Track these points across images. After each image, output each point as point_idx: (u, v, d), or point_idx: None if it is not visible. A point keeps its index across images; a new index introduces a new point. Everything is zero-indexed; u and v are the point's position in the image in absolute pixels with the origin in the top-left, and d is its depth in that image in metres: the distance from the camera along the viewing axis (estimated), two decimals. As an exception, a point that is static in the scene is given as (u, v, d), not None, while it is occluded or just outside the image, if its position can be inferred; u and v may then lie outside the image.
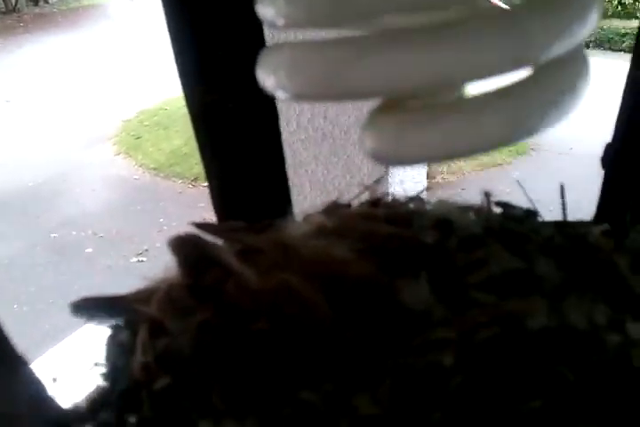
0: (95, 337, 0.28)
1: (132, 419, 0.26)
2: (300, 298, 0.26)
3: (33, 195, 4.40)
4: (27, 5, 8.98)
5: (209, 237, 0.30)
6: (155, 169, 4.81)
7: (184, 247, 0.29)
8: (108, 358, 0.30)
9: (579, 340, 0.25)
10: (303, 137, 2.38)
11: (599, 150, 0.42)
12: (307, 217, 0.35)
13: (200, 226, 0.31)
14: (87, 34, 7.82)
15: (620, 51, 7.25)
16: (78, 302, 0.29)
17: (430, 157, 0.22)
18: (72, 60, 6.84)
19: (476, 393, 0.23)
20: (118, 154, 5.12)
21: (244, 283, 0.27)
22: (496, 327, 0.25)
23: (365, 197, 0.38)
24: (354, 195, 0.38)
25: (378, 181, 0.42)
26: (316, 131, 2.32)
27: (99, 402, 0.26)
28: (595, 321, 0.26)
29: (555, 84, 0.22)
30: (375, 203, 0.36)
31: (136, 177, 4.79)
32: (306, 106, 2.28)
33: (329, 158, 2.32)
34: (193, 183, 4.52)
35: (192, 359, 0.26)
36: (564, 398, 0.23)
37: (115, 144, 5.26)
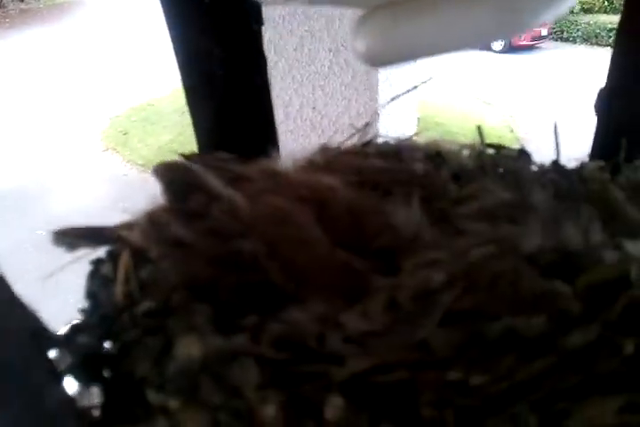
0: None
1: (112, 343, 0.25)
2: (291, 220, 0.25)
3: (19, 192, 4.34)
4: (12, 1, 8.89)
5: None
6: (142, 165, 4.77)
7: (169, 173, 0.28)
8: (90, 292, 0.29)
9: (575, 257, 0.24)
10: (292, 128, 2.36)
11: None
12: (296, 157, 0.34)
13: (187, 157, 0.30)
14: (73, 30, 7.75)
15: (607, 46, 7.22)
16: (61, 230, 0.28)
17: (421, 52, 0.21)
18: (58, 56, 6.78)
19: (470, 309, 0.23)
20: (106, 150, 5.08)
21: (231, 206, 0.26)
22: (491, 246, 0.25)
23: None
24: (345, 137, 0.37)
25: (367, 125, 0.42)
26: (305, 121, 2.31)
27: (77, 328, 0.25)
28: (591, 240, 0.25)
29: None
30: (366, 144, 0.36)
31: (124, 173, 4.75)
32: (294, 96, 2.28)
33: (318, 149, 2.29)
34: (181, 179, 4.48)
35: (177, 284, 0.25)
36: (562, 313, 0.22)
37: (102, 140, 5.22)
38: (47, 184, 4.50)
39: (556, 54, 6.71)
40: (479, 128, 0.33)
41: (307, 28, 2.16)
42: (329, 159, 0.32)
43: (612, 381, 0.20)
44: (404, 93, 0.48)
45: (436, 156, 0.32)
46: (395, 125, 2.13)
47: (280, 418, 0.20)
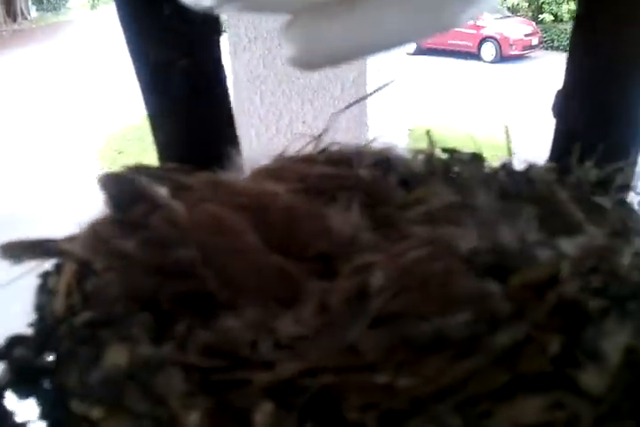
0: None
1: (50, 355, 0.25)
2: (227, 227, 0.25)
3: (13, 214, 4.33)
4: (5, 22, 8.96)
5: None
6: (138, 183, 4.75)
7: (112, 184, 0.28)
8: (37, 305, 0.29)
9: (510, 257, 0.24)
10: (283, 142, 2.37)
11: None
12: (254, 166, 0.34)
13: (132, 167, 0.30)
14: (67, 49, 7.80)
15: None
16: (6, 243, 0.28)
17: (346, 55, 0.21)
18: (52, 75, 6.81)
19: (401, 311, 0.23)
20: (102, 169, 5.08)
21: (170, 215, 0.26)
22: (427, 248, 0.25)
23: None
24: (301, 146, 0.37)
25: (323, 133, 0.42)
26: (295, 136, 2.31)
27: (15, 341, 0.25)
28: (527, 239, 0.25)
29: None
30: (321, 152, 0.36)
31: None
32: (284, 111, 2.28)
33: (309, 162, 2.30)
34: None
35: (119, 295, 0.25)
36: (491, 313, 0.22)
37: (98, 159, 5.22)
38: (43, 202, 4.49)
39: (546, 63, 6.74)
40: (428, 132, 0.33)
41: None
42: (279, 167, 0.32)
43: (539, 380, 0.20)
44: (382, 88, 0.49)
45: (384, 162, 0.32)
46: (385, 137, 2.14)
47: (206, 425, 0.20)
